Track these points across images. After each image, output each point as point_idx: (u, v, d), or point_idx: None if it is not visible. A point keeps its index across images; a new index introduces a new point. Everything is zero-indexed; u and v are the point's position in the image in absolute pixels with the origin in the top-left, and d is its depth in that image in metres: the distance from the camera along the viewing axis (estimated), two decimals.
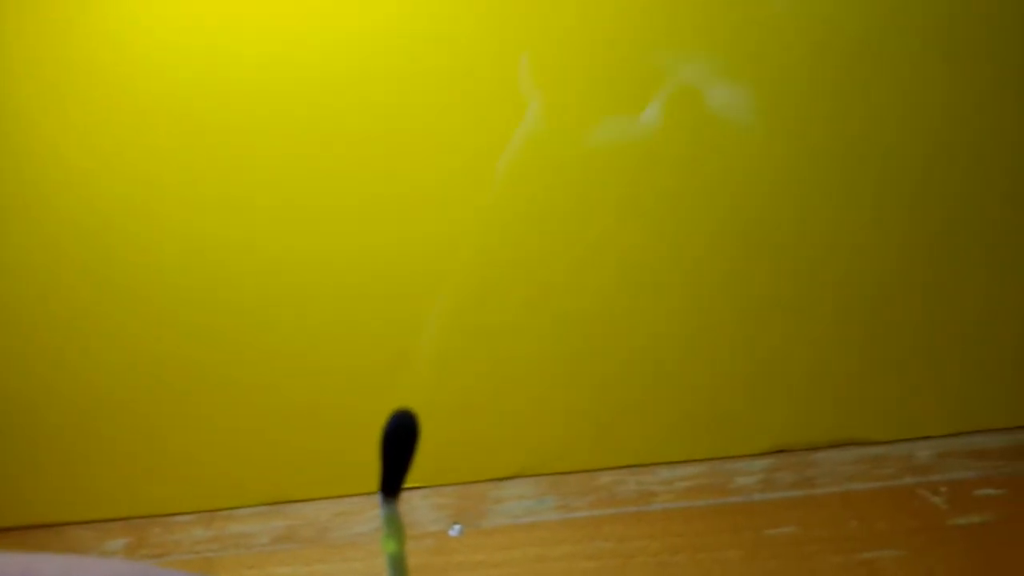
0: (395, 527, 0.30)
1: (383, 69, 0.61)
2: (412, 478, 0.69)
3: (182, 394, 0.67)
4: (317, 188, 0.63)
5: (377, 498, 0.30)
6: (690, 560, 0.58)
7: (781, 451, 0.69)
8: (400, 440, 0.31)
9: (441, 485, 0.68)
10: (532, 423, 0.69)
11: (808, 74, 0.62)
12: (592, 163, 0.63)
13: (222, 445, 0.68)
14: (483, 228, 0.65)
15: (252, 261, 0.65)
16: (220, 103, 0.61)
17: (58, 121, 0.61)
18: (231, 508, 0.68)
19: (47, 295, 0.65)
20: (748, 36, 0.61)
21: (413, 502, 0.67)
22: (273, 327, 0.66)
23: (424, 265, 0.65)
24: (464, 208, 0.64)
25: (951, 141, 0.63)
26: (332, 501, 0.68)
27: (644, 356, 0.68)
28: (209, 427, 0.68)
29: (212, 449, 0.68)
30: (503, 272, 0.66)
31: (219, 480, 0.69)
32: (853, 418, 0.69)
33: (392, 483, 0.30)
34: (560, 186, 0.64)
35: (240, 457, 0.68)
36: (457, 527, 0.64)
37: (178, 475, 0.68)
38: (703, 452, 0.69)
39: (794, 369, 0.68)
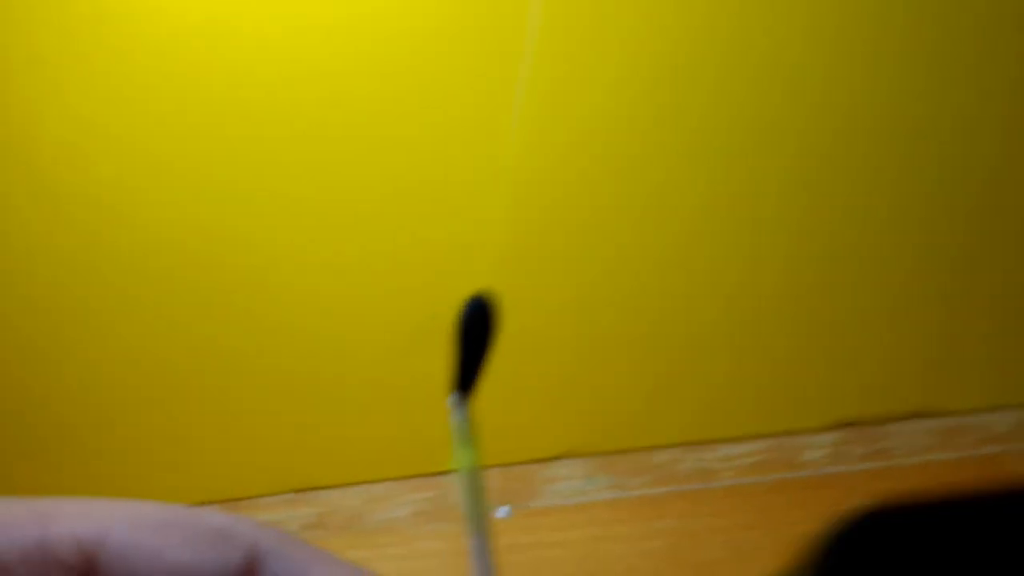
0: (469, 434, 0.24)
1: (406, 48, 0.56)
2: (449, 459, 0.64)
3: (202, 380, 0.62)
4: (334, 160, 0.59)
5: (449, 402, 0.24)
6: (766, 536, 0.53)
7: (847, 425, 0.63)
8: (476, 328, 0.24)
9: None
10: (579, 401, 0.64)
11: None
12: (647, 130, 0.58)
13: (245, 431, 0.63)
14: (522, 198, 0.60)
15: (273, 238, 0.60)
16: (222, 81, 0.56)
17: (52, 104, 0.56)
18: (256, 496, 0.63)
19: (46, 282, 0.60)
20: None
21: (453, 485, 0.61)
22: (293, 306, 0.62)
23: (454, 237, 0.61)
24: (501, 177, 0.60)
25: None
26: (362, 487, 0.62)
27: (699, 328, 0.63)
28: (231, 413, 0.63)
29: (235, 436, 0.63)
30: (545, 242, 0.61)
31: (243, 468, 0.63)
32: (926, 388, 0.64)
33: (466, 378, 0.24)
34: (608, 156, 0.59)
35: (264, 443, 0.63)
36: (505, 508, 0.59)
37: (200, 464, 0.63)
38: (764, 428, 0.64)
39: (862, 338, 0.63)
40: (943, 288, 0.63)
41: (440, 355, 0.62)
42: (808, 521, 0.53)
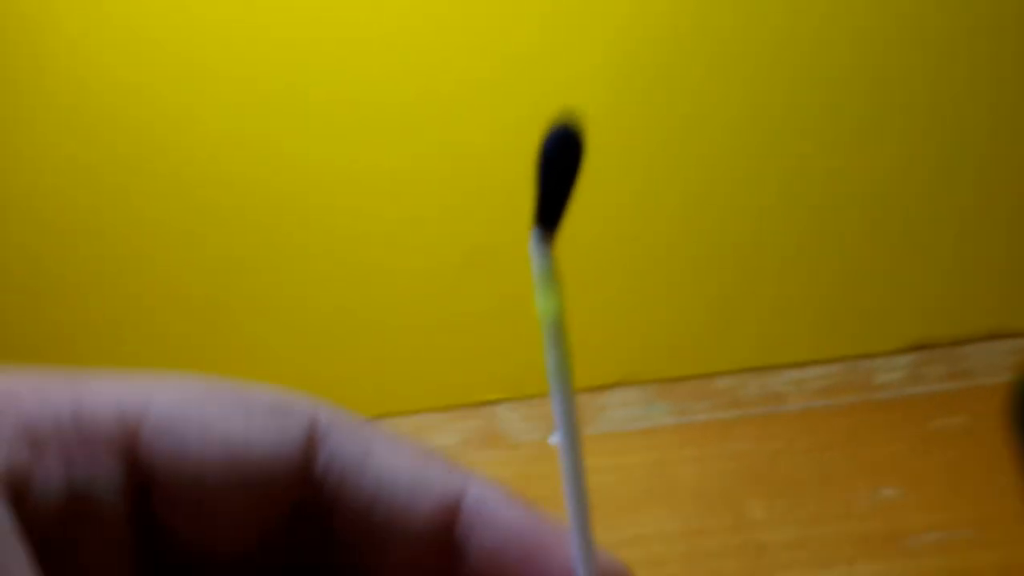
0: (552, 276, 0.20)
1: None
2: (496, 389, 0.61)
3: (241, 313, 0.60)
4: (378, 76, 0.56)
5: (531, 237, 0.20)
6: (848, 456, 0.49)
7: (922, 347, 0.59)
8: (561, 155, 0.21)
9: (530, 397, 0.60)
10: (632, 326, 0.60)
11: None
12: (711, 63, 0.55)
13: (288, 363, 0.61)
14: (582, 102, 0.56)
15: (306, 152, 0.57)
16: None
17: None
18: None
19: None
20: None
21: (500, 415, 0.58)
22: (336, 233, 0.59)
23: (499, 152, 0.57)
24: (554, 90, 0.56)
25: None
26: (408, 418, 0.59)
27: (763, 245, 0.59)
28: (273, 345, 0.61)
29: (279, 368, 0.61)
30: (595, 152, 0.57)
31: None
32: (1004, 307, 0.60)
33: (549, 212, 0.20)
34: (676, 79, 0.55)
35: (308, 376, 0.60)
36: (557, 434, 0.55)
37: None
38: (832, 351, 0.60)
39: (935, 254, 0.59)
40: (1017, 203, 0.59)
41: (489, 282, 0.59)
42: (889, 442, 0.49)
